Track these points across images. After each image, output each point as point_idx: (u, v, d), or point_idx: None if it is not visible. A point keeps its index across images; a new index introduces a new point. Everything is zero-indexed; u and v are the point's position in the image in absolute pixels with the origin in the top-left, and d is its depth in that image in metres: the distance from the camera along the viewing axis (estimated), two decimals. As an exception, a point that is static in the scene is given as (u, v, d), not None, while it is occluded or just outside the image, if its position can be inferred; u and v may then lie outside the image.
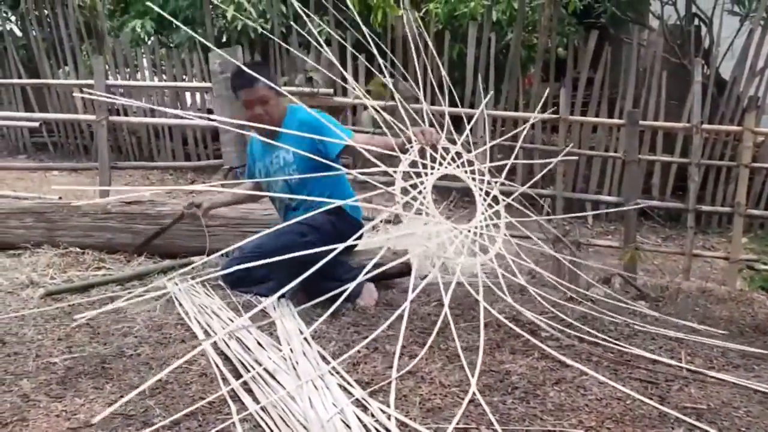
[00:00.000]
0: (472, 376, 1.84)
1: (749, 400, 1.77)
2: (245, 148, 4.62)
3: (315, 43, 2.63)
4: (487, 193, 2.46)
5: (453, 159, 2.46)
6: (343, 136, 2.44)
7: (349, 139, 2.43)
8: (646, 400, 1.73)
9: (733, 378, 1.92)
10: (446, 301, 2.10)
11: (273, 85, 2.51)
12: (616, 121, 5.74)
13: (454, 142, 2.51)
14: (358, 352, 2.04)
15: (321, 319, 1.89)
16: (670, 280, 3.40)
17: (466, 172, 2.46)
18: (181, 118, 5.62)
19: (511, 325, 2.20)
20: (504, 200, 2.46)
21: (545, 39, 6.57)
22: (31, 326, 2.32)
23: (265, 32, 7.19)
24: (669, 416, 1.65)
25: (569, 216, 3.34)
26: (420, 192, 2.21)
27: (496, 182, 2.54)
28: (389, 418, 1.56)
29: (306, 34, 2.57)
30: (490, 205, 2.41)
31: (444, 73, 2.35)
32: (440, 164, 2.38)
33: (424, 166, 2.33)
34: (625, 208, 4.01)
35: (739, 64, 6.19)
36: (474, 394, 1.71)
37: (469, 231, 2.25)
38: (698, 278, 4.12)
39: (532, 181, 3.18)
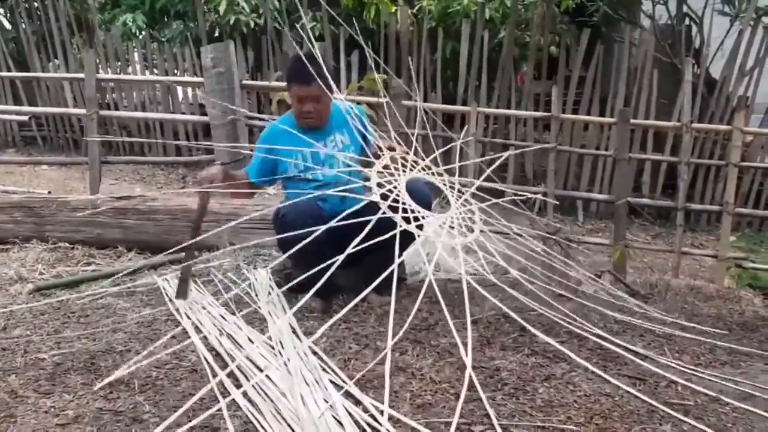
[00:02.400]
0: (463, 372, 1.85)
1: (736, 397, 1.79)
2: (237, 143, 4.63)
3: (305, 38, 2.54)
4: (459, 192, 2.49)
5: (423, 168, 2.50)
6: (373, 135, 2.53)
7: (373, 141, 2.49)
8: (636, 393, 1.75)
9: (720, 375, 1.94)
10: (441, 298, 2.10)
11: (331, 86, 2.42)
12: (607, 119, 5.77)
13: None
14: (349, 348, 2.04)
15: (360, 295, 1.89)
16: (659, 278, 3.43)
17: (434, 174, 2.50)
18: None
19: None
20: (467, 191, 2.49)
21: (538, 37, 6.59)
22: (20, 322, 2.31)
23: (258, 27, 7.19)
24: (657, 412, 1.66)
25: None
26: (395, 187, 2.23)
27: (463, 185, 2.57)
28: (381, 414, 1.56)
29: (285, 30, 2.49)
30: (463, 202, 2.44)
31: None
32: (411, 169, 2.43)
33: (396, 169, 2.37)
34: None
35: (729, 64, 6.23)
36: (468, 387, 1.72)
37: (447, 219, 2.28)
38: (687, 276, 4.15)
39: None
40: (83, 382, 1.78)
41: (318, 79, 2.44)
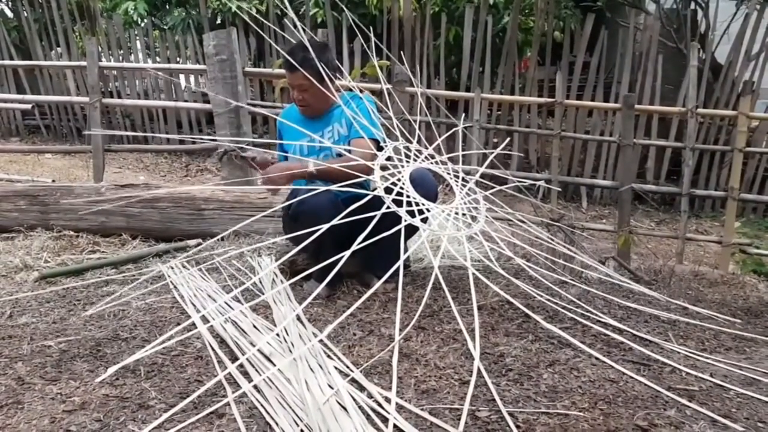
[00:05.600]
0: (469, 358, 1.85)
1: (740, 382, 1.79)
2: (240, 132, 4.62)
3: (294, 25, 2.53)
4: (464, 180, 2.49)
5: (427, 157, 2.50)
6: (373, 131, 2.47)
7: (368, 139, 2.44)
8: (640, 379, 1.75)
9: (725, 360, 1.94)
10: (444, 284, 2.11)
11: (324, 77, 2.43)
12: (611, 105, 5.74)
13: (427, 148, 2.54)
14: (354, 335, 2.05)
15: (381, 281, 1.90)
16: (664, 264, 3.42)
17: (437, 164, 2.51)
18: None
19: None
20: (470, 179, 2.50)
21: (542, 22, 6.53)
22: (26, 310, 2.32)
23: (260, 13, 7.14)
24: (661, 397, 1.66)
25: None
26: (399, 180, 2.24)
27: (467, 173, 2.57)
28: (387, 401, 1.57)
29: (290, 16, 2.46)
30: (467, 191, 2.44)
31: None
32: (415, 160, 2.44)
33: (400, 160, 2.37)
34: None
35: (735, 49, 6.18)
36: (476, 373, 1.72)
37: (452, 210, 2.29)
38: (691, 262, 4.15)
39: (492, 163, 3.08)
40: (89, 368, 1.79)
41: (300, 68, 2.45)
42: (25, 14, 7.85)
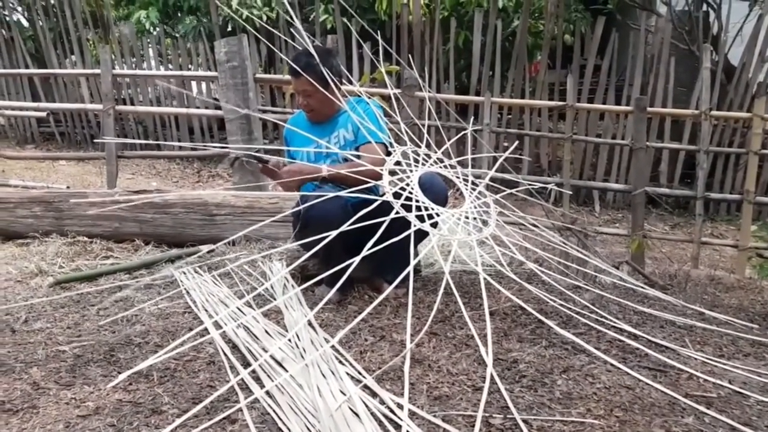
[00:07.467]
0: (481, 364, 1.84)
1: (760, 389, 1.76)
2: (251, 138, 4.65)
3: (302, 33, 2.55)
4: (473, 184, 2.49)
5: (436, 161, 2.50)
6: (380, 135, 2.46)
7: (377, 143, 2.44)
8: (657, 385, 1.72)
9: (743, 366, 1.91)
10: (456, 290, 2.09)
11: (329, 82, 2.44)
12: (623, 108, 5.71)
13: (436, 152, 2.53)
14: (365, 340, 2.04)
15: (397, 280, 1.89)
16: (679, 268, 3.38)
17: (446, 167, 2.50)
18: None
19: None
20: (480, 183, 2.49)
21: (552, 25, 6.51)
22: (41, 315, 2.33)
23: (270, 20, 7.18)
24: (678, 404, 1.64)
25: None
26: (408, 184, 2.24)
27: (477, 176, 2.57)
28: (399, 407, 1.56)
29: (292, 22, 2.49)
30: (476, 195, 2.44)
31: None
32: (423, 164, 2.44)
33: (408, 165, 2.38)
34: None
35: (748, 50, 6.12)
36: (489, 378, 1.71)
37: (462, 215, 2.28)
38: (707, 266, 4.10)
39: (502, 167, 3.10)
40: (103, 374, 1.80)
41: (304, 74, 2.46)
42: (40, 23, 7.94)
